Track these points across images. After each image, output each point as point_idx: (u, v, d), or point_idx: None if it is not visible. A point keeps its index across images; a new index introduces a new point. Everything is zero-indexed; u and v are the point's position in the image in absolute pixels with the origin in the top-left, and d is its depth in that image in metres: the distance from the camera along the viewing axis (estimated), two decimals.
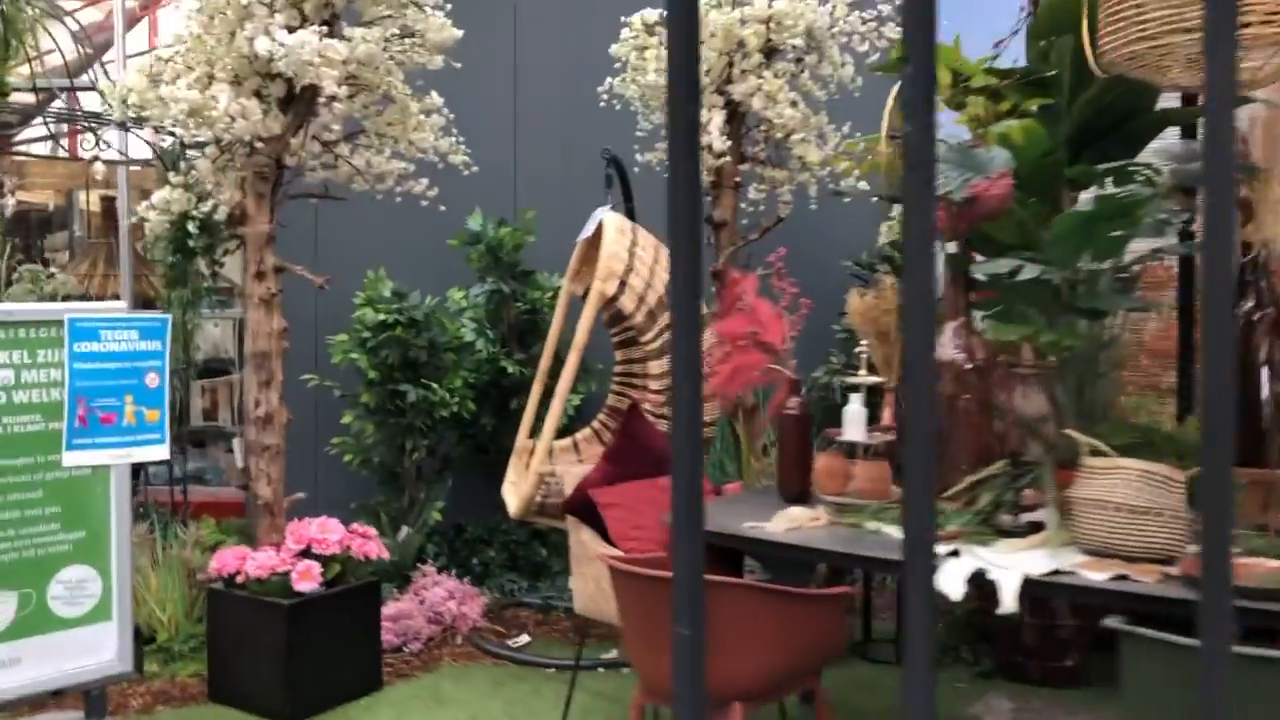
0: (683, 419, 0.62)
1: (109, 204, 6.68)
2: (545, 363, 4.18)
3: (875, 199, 3.97)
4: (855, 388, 2.97)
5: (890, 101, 3.44)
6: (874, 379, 3.01)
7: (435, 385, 4.50)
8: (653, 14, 4.23)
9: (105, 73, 4.67)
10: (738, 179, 4.33)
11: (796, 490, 3.10)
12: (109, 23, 7.61)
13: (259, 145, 3.20)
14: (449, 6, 3.43)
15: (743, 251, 4.34)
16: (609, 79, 4.46)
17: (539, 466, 3.57)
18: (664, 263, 3.79)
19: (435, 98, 3.61)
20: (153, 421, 3.01)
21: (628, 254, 3.66)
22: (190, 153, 3.64)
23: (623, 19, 4.26)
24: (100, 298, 5.61)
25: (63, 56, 4.53)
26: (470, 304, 4.77)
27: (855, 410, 2.93)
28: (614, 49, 4.29)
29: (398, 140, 3.54)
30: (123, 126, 4.12)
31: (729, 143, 4.07)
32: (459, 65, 3.60)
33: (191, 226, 3.45)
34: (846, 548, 2.61)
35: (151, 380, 3.00)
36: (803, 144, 4.22)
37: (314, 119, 3.37)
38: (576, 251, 4.11)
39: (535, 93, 5.27)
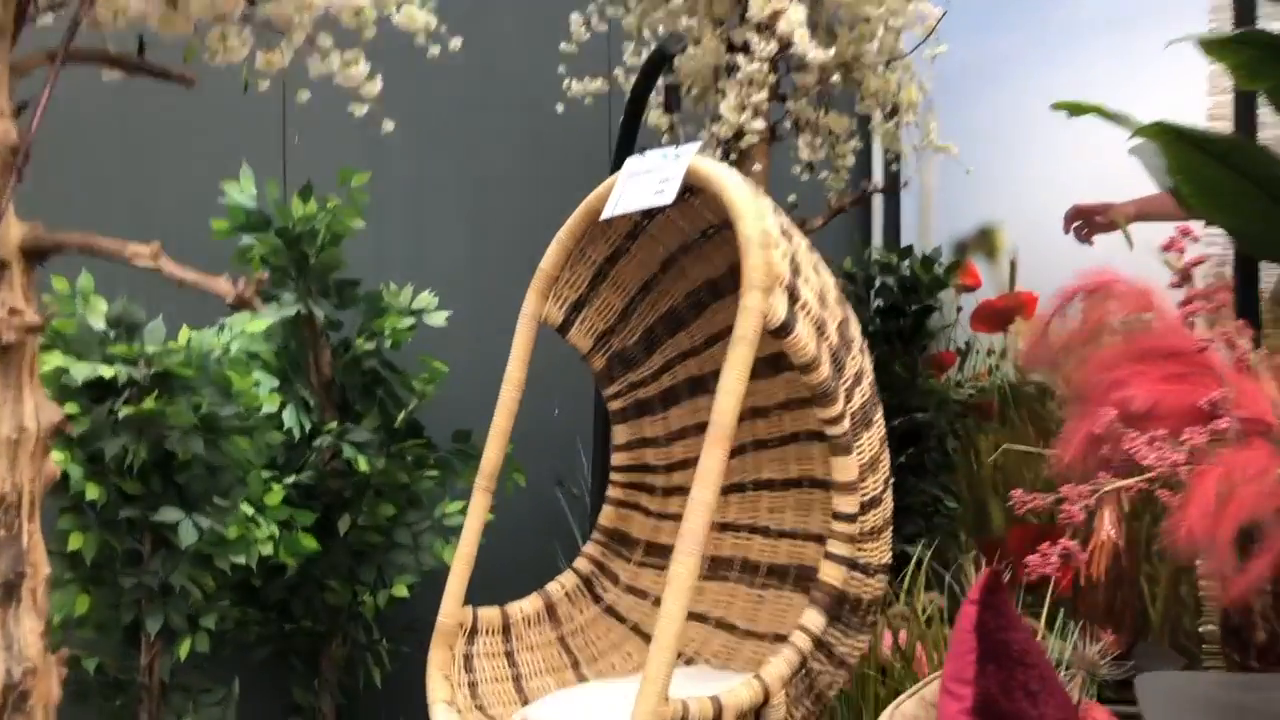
0: None
1: None
2: (494, 453, 2.13)
3: None
4: None
5: None
6: None
7: (232, 503, 2.24)
8: None
9: None
10: (771, 126, 2.56)
11: None
12: None
13: None
14: None
15: None
16: None
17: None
18: (822, 265, 1.96)
19: None
20: None
21: (784, 239, 1.80)
22: None
23: None
24: None
25: None
26: (248, 338, 2.52)
27: None
28: None
29: None
30: None
31: (827, 53, 2.30)
32: None
33: None
34: None
35: None
36: (884, 71, 2.56)
37: None
38: (567, 234, 2.11)
39: None
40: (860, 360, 1.88)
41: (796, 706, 1.84)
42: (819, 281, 1.83)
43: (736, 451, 2.32)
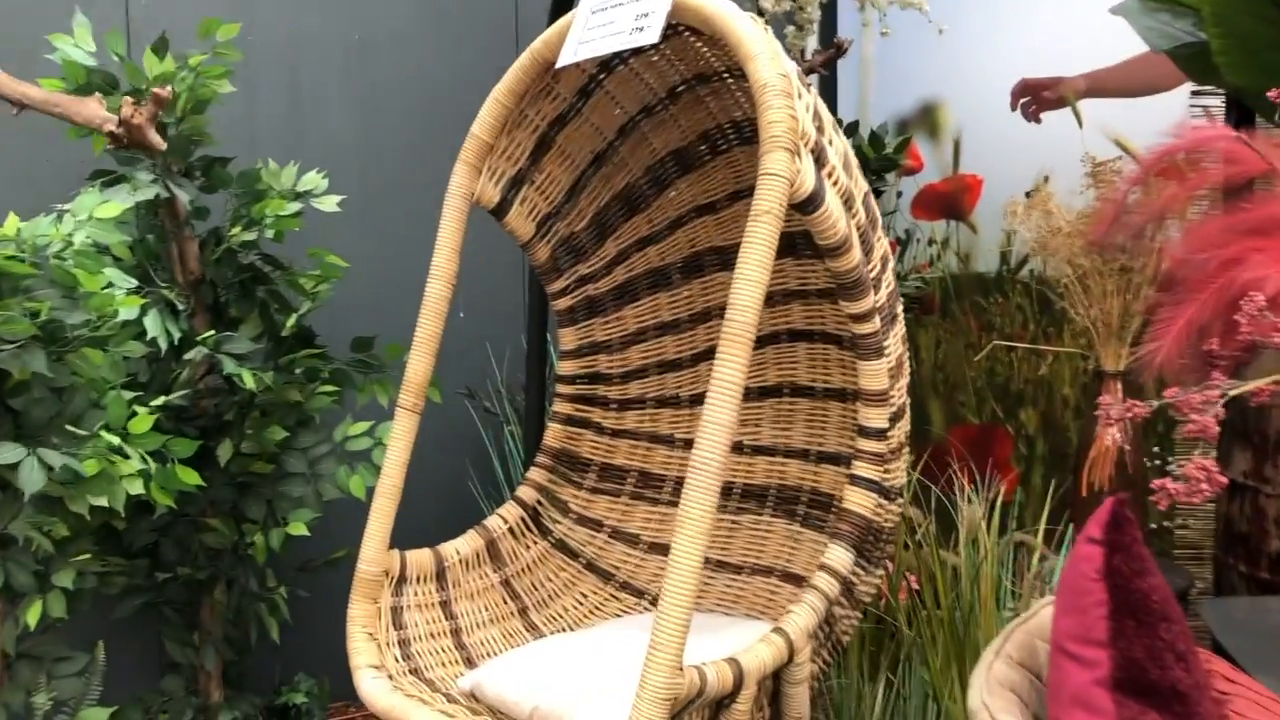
0: None
1: None
2: (421, 364, 1.72)
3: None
4: None
5: None
6: None
7: (88, 432, 1.78)
8: None
9: None
10: None
11: None
12: None
13: None
14: None
15: None
16: None
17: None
18: (837, 125, 1.61)
19: None
20: None
21: (805, 89, 1.43)
22: None
23: None
24: None
25: None
26: (96, 227, 2.01)
27: None
28: None
29: None
30: None
31: None
32: None
33: None
34: None
35: None
36: None
37: None
38: (505, 91, 1.69)
39: None
40: (884, 243, 1.55)
41: (815, 658, 1.54)
42: (841, 144, 1.48)
43: (702, 356, 1.98)
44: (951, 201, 3.15)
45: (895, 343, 1.54)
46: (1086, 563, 1.09)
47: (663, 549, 1.95)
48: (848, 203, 1.43)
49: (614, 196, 1.89)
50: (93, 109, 0.81)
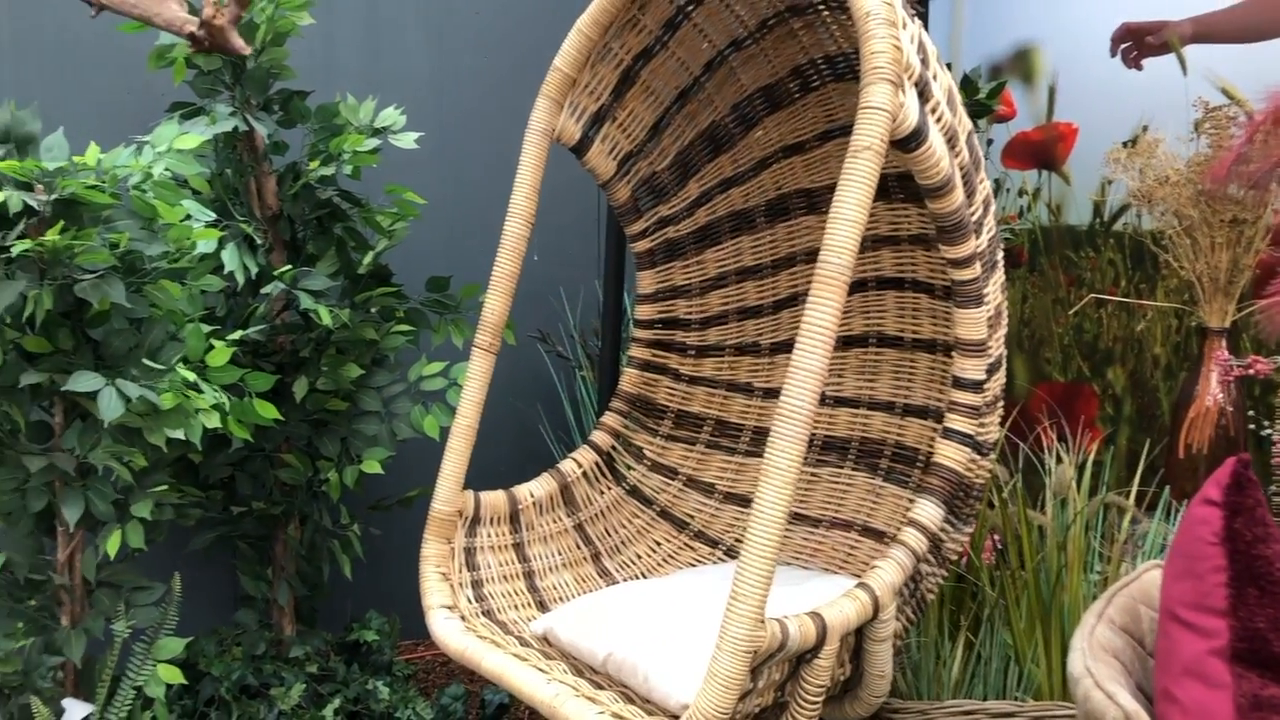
0: None
1: None
2: (498, 304, 1.68)
3: None
4: None
5: None
6: None
7: (165, 364, 1.78)
8: None
9: None
10: None
11: None
12: None
13: None
14: None
15: None
16: None
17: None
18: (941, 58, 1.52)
19: None
20: None
21: (910, 18, 1.35)
22: None
23: None
24: None
25: None
26: (175, 158, 2.00)
27: None
28: None
29: None
30: None
31: None
32: None
33: None
34: None
35: None
36: None
37: None
38: (590, 22, 1.63)
39: None
40: (987, 185, 1.47)
41: (900, 616, 1.49)
42: (946, 79, 1.40)
43: (784, 303, 1.92)
44: (1044, 150, 3.03)
45: (995, 290, 1.47)
46: (1204, 526, 1.02)
47: (738, 499, 1.91)
48: (951, 141, 1.35)
49: (698, 135, 1.82)
50: (173, 10, 0.78)
